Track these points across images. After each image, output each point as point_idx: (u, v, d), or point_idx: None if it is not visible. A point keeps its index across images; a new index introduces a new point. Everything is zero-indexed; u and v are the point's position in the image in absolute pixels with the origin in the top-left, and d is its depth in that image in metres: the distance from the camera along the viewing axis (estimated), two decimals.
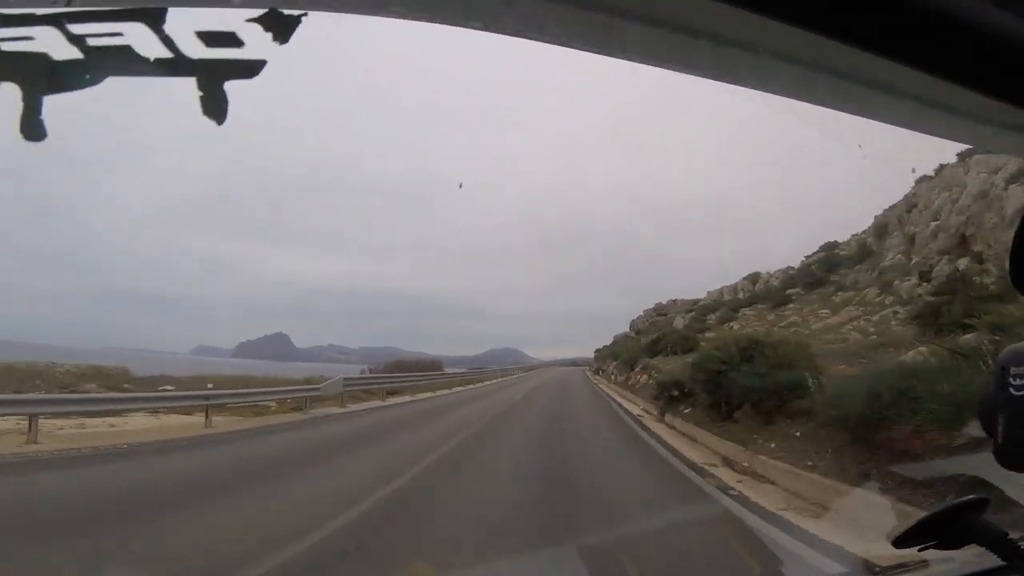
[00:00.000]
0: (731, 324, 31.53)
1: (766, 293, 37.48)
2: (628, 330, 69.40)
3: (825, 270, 34.68)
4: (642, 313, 71.31)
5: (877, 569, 1.47)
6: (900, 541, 1.25)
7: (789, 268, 40.98)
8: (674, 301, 62.88)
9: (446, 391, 25.11)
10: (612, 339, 74.70)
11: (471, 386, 29.80)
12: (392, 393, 20.32)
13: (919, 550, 1.27)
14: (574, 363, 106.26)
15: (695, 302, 57.50)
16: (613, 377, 35.89)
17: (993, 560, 1.16)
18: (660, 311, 62.93)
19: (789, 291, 34.52)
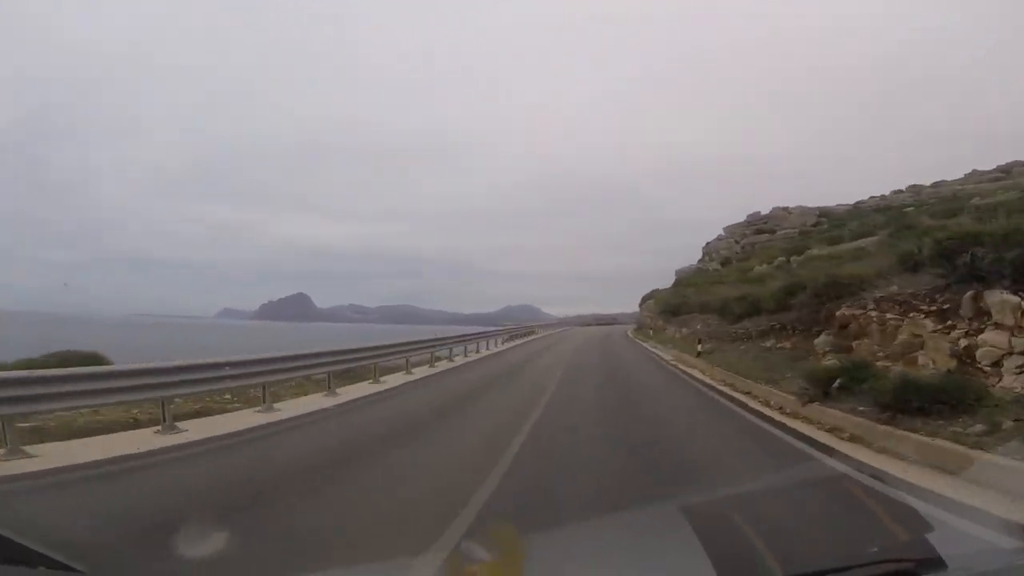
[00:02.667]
0: None
1: None
2: (701, 258, 53.46)
3: None
4: (722, 233, 55.41)
5: None
6: None
7: None
8: (787, 210, 46.92)
9: None
10: (674, 278, 58.76)
11: None
12: None
13: None
14: (597, 321, 76.43)
15: (819, 211, 41.99)
16: None
17: None
18: (761, 225, 46.99)
19: None
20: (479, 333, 23.59)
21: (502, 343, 26.98)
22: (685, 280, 44.35)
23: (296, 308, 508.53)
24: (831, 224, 38.61)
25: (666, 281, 49.68)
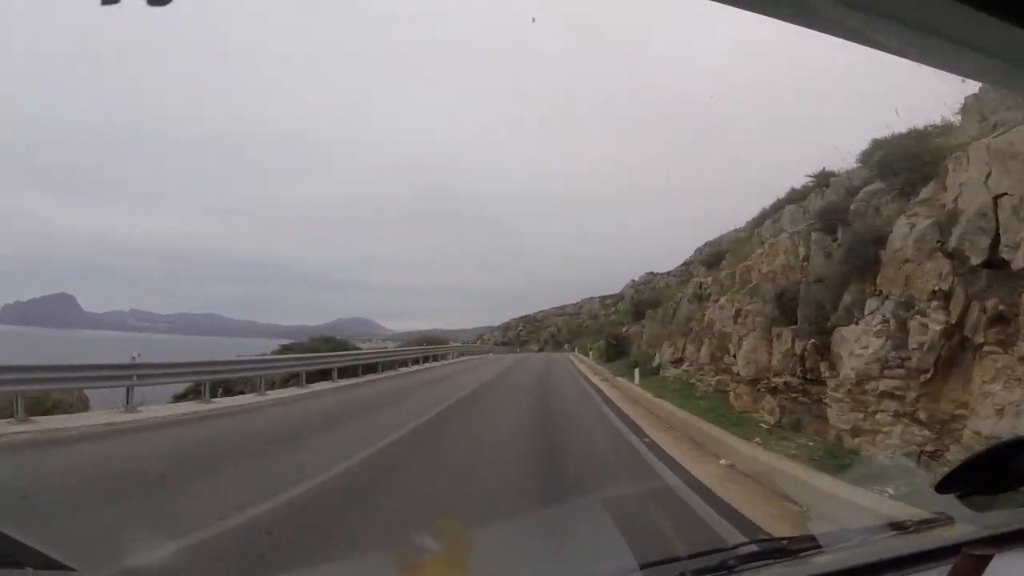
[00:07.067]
0: None
1: None
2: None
3: None
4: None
5: (902, 525, 1.35)
6: (942, 486, 1.17)
7: None
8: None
9: None
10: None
11: None
12: None
13: (958, 497, 1.18)
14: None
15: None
16: None
17: None
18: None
19: None
20: None
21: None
22: None
23: (55, 311, 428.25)
24: None
25: (529, 303, 43.90)
